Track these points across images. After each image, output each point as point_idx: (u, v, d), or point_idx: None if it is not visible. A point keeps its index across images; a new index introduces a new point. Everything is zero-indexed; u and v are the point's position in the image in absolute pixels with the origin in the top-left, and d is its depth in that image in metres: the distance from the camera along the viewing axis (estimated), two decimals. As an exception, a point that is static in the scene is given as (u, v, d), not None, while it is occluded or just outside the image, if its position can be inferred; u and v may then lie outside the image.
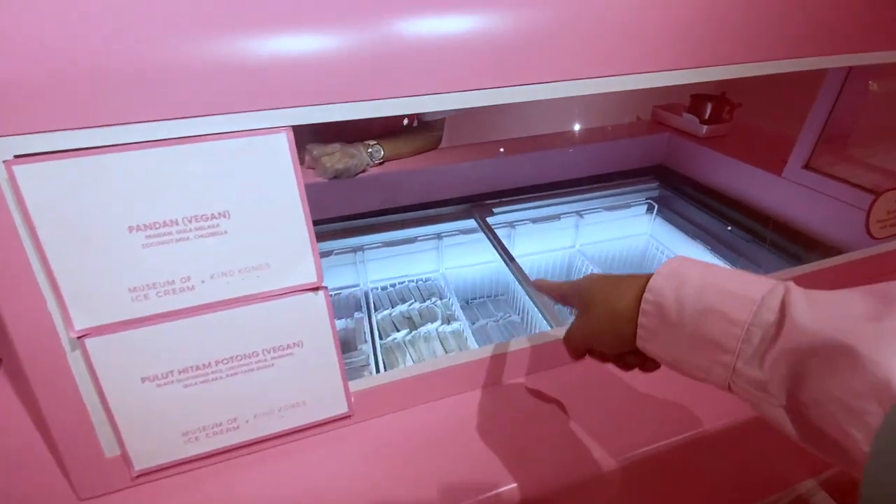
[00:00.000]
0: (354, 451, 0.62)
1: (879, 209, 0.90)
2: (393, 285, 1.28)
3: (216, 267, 0.51)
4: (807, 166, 1.11)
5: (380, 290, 1.26)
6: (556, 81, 0.56)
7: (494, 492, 0.57)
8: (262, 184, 0.50)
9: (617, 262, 1.45)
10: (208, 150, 0.47)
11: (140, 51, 0.43)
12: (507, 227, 1.30)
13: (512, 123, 1.75)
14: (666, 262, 0.45)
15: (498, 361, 0.70)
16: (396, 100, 0.51)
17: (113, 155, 0.45)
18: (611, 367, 0.53)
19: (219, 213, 0.49)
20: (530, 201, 1.33)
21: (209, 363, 0.54)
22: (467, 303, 1.37)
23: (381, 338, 1.10)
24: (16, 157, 0.42)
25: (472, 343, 1.06)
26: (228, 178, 0.49)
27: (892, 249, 0.93)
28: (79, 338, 0.49)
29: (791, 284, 0.38)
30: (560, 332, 0.65)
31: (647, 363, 0.50)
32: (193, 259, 0.50)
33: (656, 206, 1.38)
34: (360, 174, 1.23)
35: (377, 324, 1.13)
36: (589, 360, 0.55)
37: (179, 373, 0.54)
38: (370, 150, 1.25)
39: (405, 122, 1.45)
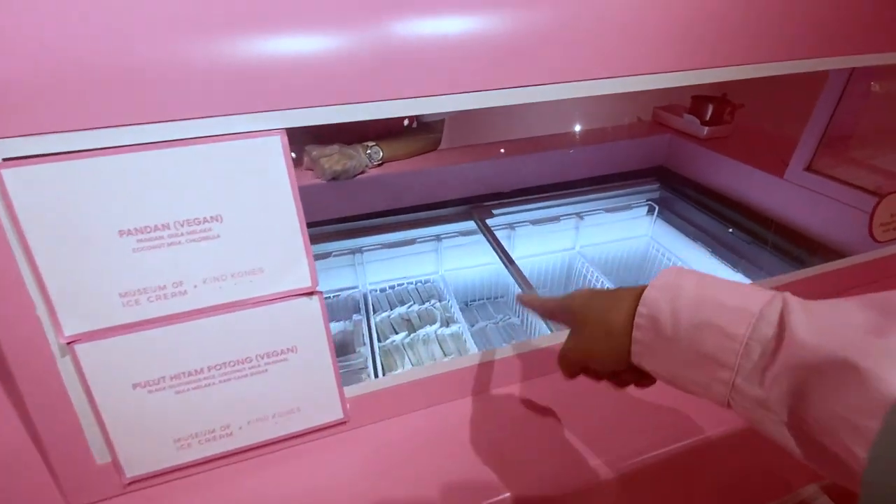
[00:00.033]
0: (350, 457, 0.61)
1: (883, 212, 0.89)
2: (392, 287, 1.28)
3: (208, 271, 0.50)
4: (809, 168, 1.10)
5: (378, 291, 1.26)
6: (556, 83, 0.55)
7: (491, 500, 0.56)
8: (256, 187, 0.49)
9: (617, 265, 1.44)
10: (200, 153, 0.46)
11: (130, 52, 0.42)
12: (506, 228, 1.29)
13: (512, 124, 1.75)
14: (660, 273, 0.44)
15: (496, 367, 0.69)
16: (392, 102, 0.50)
17: (103, 158, 0.44)
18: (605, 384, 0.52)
19: (211, 217, 0.49)
20: (530, 203, 1.32)
21: (202, 369, 0.54)
22: (466, 305, 1.36)
23: (379, 340, 1.09)
24: (4, 160, 0.42)
25: (471, 346, 1.05)
26: (221, 182, 0.48)
27: (895, 253, 0.92)
28: (68, 343, 0.49)
29: (788, 296, 0.37)
30: (560, 337, 0.65)
31: (643, 379, 0.49)
32: (185, 263, 0.49)
33: (657, 208, 1.38)
34: (359, 175, 1.23)
35: (375, 326, 1.13)
36: None
37: (171, 379, 0.53)
38: (369, 151, 1.24)
39: (406, 122, 1.44)
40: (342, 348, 1.15)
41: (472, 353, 1.03)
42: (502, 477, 0.58)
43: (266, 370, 0.56)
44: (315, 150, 1.20)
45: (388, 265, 1.26)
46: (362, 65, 0.48)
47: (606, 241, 1.40)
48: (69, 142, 0.43)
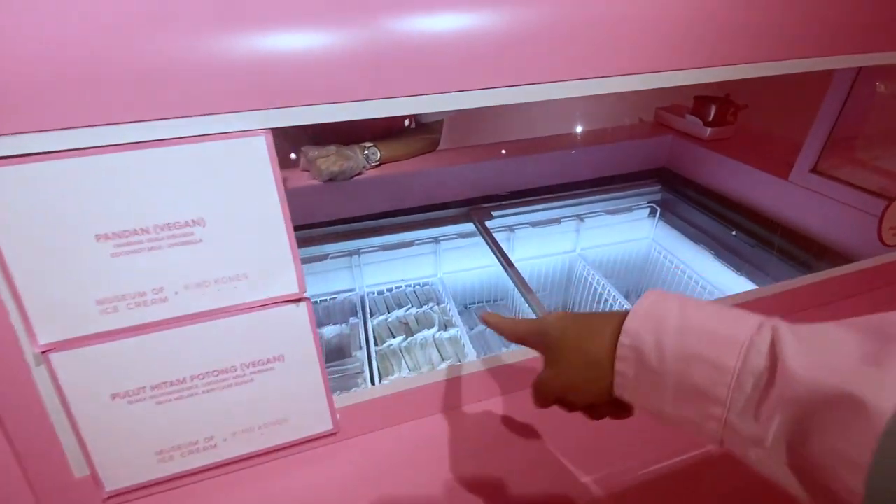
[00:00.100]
0: (340, 470, 0.59)
1: (893, 215, 0.87)
2: (389, 290, 1.27)
3: (190, 277, 0.48)
4: (814, 170, 1.08)
5: (376, 294, 1.25)
6: (556, 82, 0.53)
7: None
8: (240, 190, 0.47)
9: (619, 267, 1.43)
10: (181, 153, 0.44)
11: (105, 49, 0.40)
12: (506, 230, 1.28)
13: (512, 125, 1.73)
14: (642, 298, 0.42)
15: (493, 375, 0.67)
16: (383, 101, 0.48)
17: (79, 159, 0.42)
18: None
19: (193, 221, 0.47)
20: (530, 205, 1.31)
21: (184, 379, 0.51)
22: (465, 308, 1.35)
23: (376, 344, 1.08)
24: (-27, 161, 0.40)
25: (469, 350, 1.04)
26: (203, 184, 0.46)
27: (904, 258, 0.90)
28: (43, 352, 0.47)
29: (778, 322, 0.35)
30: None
31: (621, 412, 0.46)
32: (166, 269, 0.47)
33: (659, 210, 1.37)
34: (357, 176, 1.21)
35: (373, 329, 1.12)
36: None
37: (152, 389, 0.51)
38: (367, 152, 1.23)
39: (406, 123, 1.43)
40: (338, 352, 1.14)
41: (471, 358, 1.02)
42: (501, 491, 0.56)
43: (252, 380, 0.54)
44: (312, 151, 1.18)
45: (385, 267, 1.25)
46: (351, 62, 0.46)
47: (607, 244, 1.38)
48: (43, 142, 0.41)
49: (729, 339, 0.36)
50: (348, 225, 1.22)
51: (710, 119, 1.38)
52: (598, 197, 1.36)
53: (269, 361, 0.54)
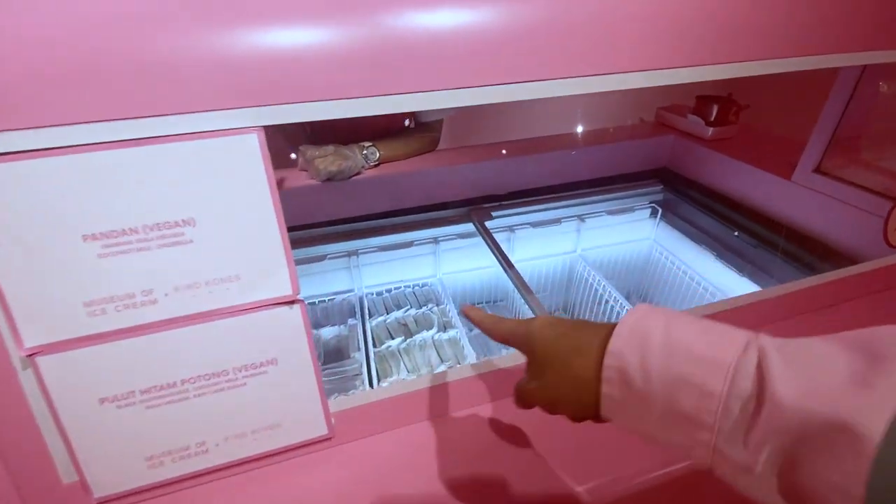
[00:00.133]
0: (335, 475, 0.58)
1: (898, 216, 0.86)
2: (388, 291, 1.26)
3: (181, 279, 0.47)
4: (817, 170, 1.07)
5: (375, 295, 1.25)
6: (557, 79, 0.51)
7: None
8: (231, 189, 0.46)
9: (620, 268, 1.43)
10: (170, 151, 0.43)
11: (93, 46, 0.39)
12: (506, 231, 1.27)
13: (512, 125, 1.72)
14: (626, 315, 0.41)
15: (493, 378, 0.66)
16: (380, 98, 0.47)
17: (65, 157, 0.41)
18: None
19: (183, 221, 0.45)
20: (530, 205, 1.30)
21: (174, 382, 0.50)
22: (465, 309, 1.33)
23: (374, 346, 1.07)
24: (-45, 159, 0.39)
25: (469, 352, 1.03)
26: (193, 183, 0.44)
27: (910, 259, 0.88)
28: (29, 356, 0.45)
29: (764, 340, 0.34)
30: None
31: (604, 419, 0.44)
32: (156, 270, 0.46)
33: (660, 211, 1.36)
34: (355, 176, 1.20)
35: (371, 331, 1.11)
36: None
37: (142, 393, 0.50)
38: (365, 151, 1.22)
39: (406, 122, 1.42)
40: (336, 354, 1.13)
41: (470, 359, 1.01)
42: (498, 498, 0.55)
43: (244, 383, 0.53)
44: (310, 151, 1.17)
45: (384, 268, 1.24)
46: (346, 58, 0.44)
47: (608, 245, 1.38)
48: (27, 140, 0.39)
49: (715, 362, 0.35)
50: (347, 225, 1.21)
51: (712, 119, 1.37)
52: (598, 197, 1.35)
53: (262, 365, 0.53)
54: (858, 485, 0.26)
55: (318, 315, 1.18)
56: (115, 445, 0.51)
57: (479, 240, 1.20)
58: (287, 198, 1.17)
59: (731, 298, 0.78)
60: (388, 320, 1.15)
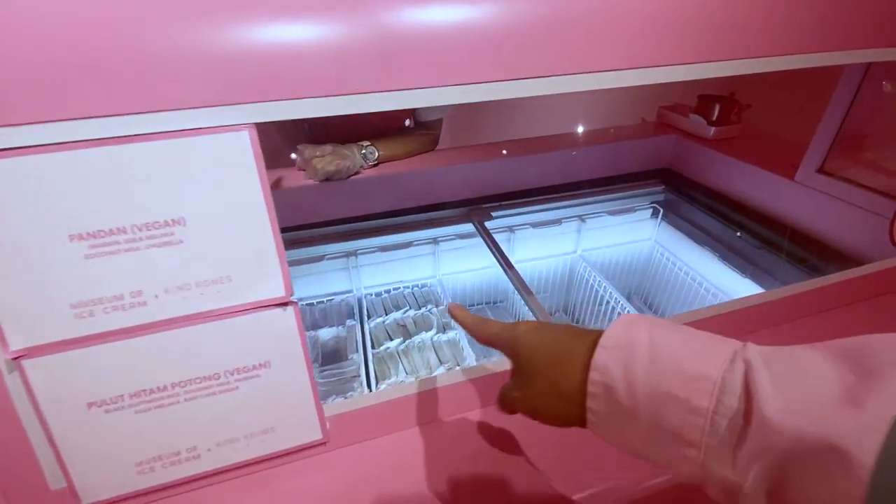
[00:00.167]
0: (329, 481, 0.57)
1: (904, 216, 0.85)
2: (387, 291, 1.25)
3: (171, 280, 0.46)
4: (821, 170, 1.05)
5: (373, 296, 1.24)
6: (557, 76, 0.50)
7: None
8: (222, 188, 0.44)
9: (620, 269, 1.42)
10: (159, 149, 0.42)
11: (78, 37, 0.38)
12: (506, 231, 1.27)
13: (512, 124, 1.71)
14: (611, 325, 0.40)
15: (491, 382, 0.65)
16: (374, 95, 0.45)
17: (51, 155, 0.39)
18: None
19: (173, 221, 0.44)
20: (530, 205, 1.29)
21: (165, 386, 0.49)
22: (464, 310, 1.32)
23: (373, 347, 1.06)
24: (-64, 156, 0.37)
25: (468, 354, 1.02)
26: (183, 182, 0.43)
27: (915, 260, 0.87)
28: (15, 359, 0.44)
29: (750, 352, 0.33)
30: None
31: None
32: (145, 271, 0.45)
33: (662, 211, 1.35)
34: (354, 176, 1.19)
35: (370, 332, 1.10)
36: None
37: (131, 397, 0.48)
38: (364, 151, 1.21)
39: (407, 122, 1.41)
40: (334, 355, 1.12)
41: (469, 362, 1.00)
42: (499, 502, 0.54)
43: (236, 387, 0.52)
44: (308, 150, 1.16)
45: (383, 269, 1.23)
46: (340, 54, 0.43)
47: (609, 245, 1.37)
48: (12, 137, 0.38)
49: (700, 377, 0.34)
50: (345, 225, 1.20)
51: (714, 118, 1.36)
52: (599, 197, 1.34)
53: (254, 368, 0.52)
54: None
55: (317, 316, 1.17)
56: (103, 451, 0.50)
57: (478, 240, 1.20)
58: (285, 198, 1.17)
59: (734, 301, 0.77)
60: (387, 321, 1.15)
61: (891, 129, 1.03)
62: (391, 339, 1.08)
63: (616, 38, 0.51)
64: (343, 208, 1.20)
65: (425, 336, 1.09)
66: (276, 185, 1.14)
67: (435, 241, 1.23)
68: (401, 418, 0.62)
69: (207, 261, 0.46)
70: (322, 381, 1.00)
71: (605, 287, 1.20)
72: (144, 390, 0.49)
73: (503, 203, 1.28)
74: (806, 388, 0.30)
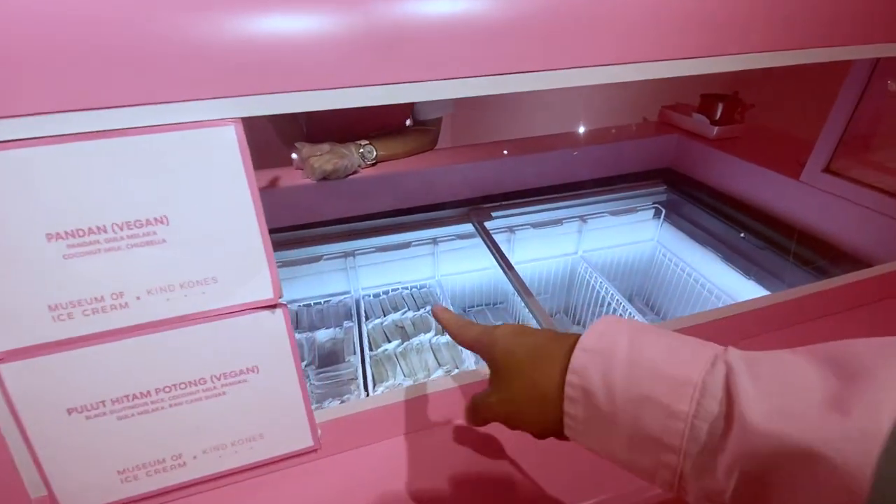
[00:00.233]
0: (321, 489, 0.55)
1: (913, 217, 0.83)
2: (385, 293, 1.25)
3: (153, 281, 0.44)
4: (827, 169, 1.04)
5: (371, 297, 1.23)
6: (556, 71, 0.48)
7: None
8: (207, 185, 0.43)
9: (622, 270, 1.40)
10: (141, 144, 0.40)
11: (51, 28, 0.36)
12: (506, 231, 1.26)
13: (513, 123, 1.69)
14: (590, 327, 0.38)
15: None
16: (368, 88, 0.44)
17: (27, 150, 0.38)
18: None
19: (155, 219, 0.42)
20: (531, 205, 1.27)
21: (148, 392, 0.47)
22: (464, 311, 1.33)
23: (371, 349, 1.05)
24: None
25: (467, 356, 1.00)
26: (166, 179, 0.42)
27: (924, 262, 0.85)
28: (-9, 363, 0.42)
29: (732, 356, 0.32)
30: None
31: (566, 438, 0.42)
32: (126, 272, 0.43)
33: (664, 211, 1.34)
34: (352, 175, 1.18)
35: (367, 334, 1.08)
36: None
37: (113, 403, 0.47)
38: (362, 150, 1.20)
39: (407, 122, 1.40)
40: (331, 357, 1.10)
41: (468, 364, 0.98)
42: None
43: (223, 392, 0.50)
44: (305, 149, 1.15)
45: (381, 269, 1.22)
46: (331, 45, 0.41)
47: (611, 246, 1.35)
48: (-15, 131, 0.37)
49: (679, 381, 0.32)
50: (343, 225, 1.19)
51: (717, 118, 1.34)
52: (601, 198, 1.33)
53: (241, 373, 0.50)
54: None
55: (314, 317, 1.16)
56: (85, 458, 0.48)
57: (478, 240, 1.19)
58: (282, 197, 1.16)
59: (738, 303, 0.75)
60: (385, 323, 1.13)
61: (898, 129, 1.01)
62: (389, 341, 1.07)
63: (618, 32, 0.49)
64: (341, 208, 1.19)
65: (424, 338, 1.07)
66: (273, 184, 1.13)
67: (434, 241, 1.21)
68: (395, 424, 0.60)
69: (192, 261, 0.45)
70: (319, 383, 0.98)
71: (606, 288, 1.18)
72: (127, 396, 0.47)
73: (503, 203, 1.26)
74: (789, 393, 0.29)
